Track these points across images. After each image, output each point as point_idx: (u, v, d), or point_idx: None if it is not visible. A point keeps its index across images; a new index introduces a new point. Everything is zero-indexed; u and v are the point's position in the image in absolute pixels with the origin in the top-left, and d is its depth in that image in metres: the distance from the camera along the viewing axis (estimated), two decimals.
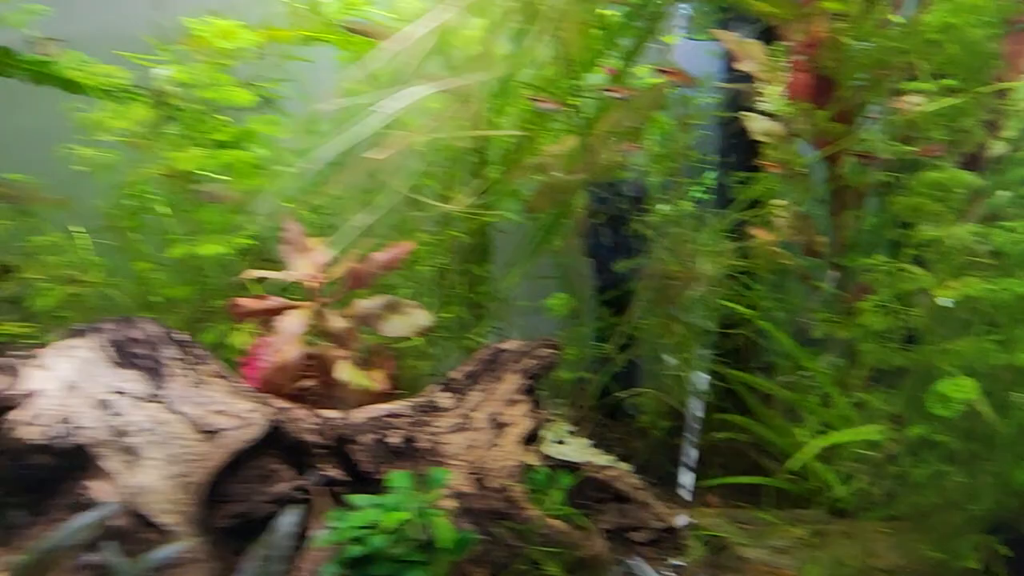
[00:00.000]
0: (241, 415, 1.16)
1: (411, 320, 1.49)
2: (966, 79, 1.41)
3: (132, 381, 1.12)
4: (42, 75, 1.41)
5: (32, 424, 1.03)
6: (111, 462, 1.05)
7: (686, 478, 1.73)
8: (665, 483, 1.79)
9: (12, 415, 1.02)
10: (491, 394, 1.44)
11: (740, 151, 1.83)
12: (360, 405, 1.41)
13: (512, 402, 1.43)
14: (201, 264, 1.46)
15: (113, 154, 1.44)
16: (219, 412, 1.15)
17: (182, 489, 1.09)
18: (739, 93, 1.81)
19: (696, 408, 1.78)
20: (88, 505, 1.02)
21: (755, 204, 1.76)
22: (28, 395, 1.04)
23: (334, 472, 1.29)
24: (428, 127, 1.49)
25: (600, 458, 1.84)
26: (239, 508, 1.15)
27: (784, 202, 1.77)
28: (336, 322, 1.44)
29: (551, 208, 1.64)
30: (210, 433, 1.13)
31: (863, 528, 1.55)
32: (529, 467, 1.41)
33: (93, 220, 1.47)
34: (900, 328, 1.58)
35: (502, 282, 1.69)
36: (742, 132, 1.76)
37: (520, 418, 1.42)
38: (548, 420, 1.50)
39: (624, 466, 1.87)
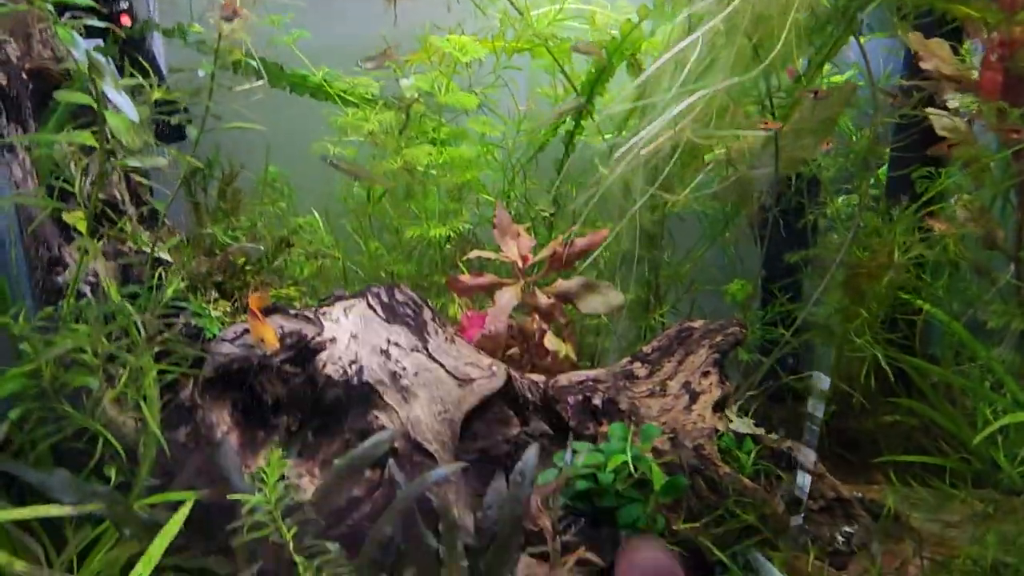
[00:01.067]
0: (487, 368, 1.40)
1: (607, 299, 1.69)
2: None
3: (401, 334, 1.37)
4: (301, 86, 1.70)
5: (333, 364, 1.29)
6: (390, 397, 1.30)
7: (803, 480, 1.82)
8: (832, 463, 1.91)
9: (320, 357, 1.29)
10: (683, 365, 1.61)
11: (922, 146, 1.92)
12: (559, 372, 1.62)
13: (704, 373, 1.60)
14: (424, 245, 1.71)
15: (354, 151, 1.72)
16: (469, 364, 1.39)
17: (444, 424, 1.32)
18: (923, 90, 1.92)
19: (816, 409, 1.87)
20: (375, 430, 1.28)
21: (936, 199, 1.85)
22: (330, 340, 1.31)
23: (543, 428, 1.51)
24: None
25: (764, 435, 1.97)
26: (482, 444, 1.38)
27: (967, 196, 1.86)
28: (542, 299, 1.66)
29: (736, 199, 1.80)
30: (464, 380, 1.36)
31: None
32: (719, 432, 1.58)
33: (337, 206, 1.75)
34: None
35: (680, 267, 1.86)
36: (926, 128, 1.86)
37: (711, 387, 1.59)
38: (736, 391, 1.65)
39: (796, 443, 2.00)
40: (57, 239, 1.39)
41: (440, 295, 1.71)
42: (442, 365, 1.36)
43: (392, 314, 1.39)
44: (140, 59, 1.51)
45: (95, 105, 1.08)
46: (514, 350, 1.67)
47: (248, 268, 1.45)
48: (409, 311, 1.41)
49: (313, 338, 1.30)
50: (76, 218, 1.17)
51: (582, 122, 1.85)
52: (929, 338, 2.00)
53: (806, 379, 2.01)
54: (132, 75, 1.39)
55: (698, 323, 1.70)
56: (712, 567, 1.45)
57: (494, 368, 1.40)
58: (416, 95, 1.61)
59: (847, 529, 1.65)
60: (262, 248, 1.46)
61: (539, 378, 1.58)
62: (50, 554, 1.17)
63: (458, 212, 1.74)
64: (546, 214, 1.88)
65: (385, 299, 1.41)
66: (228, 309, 1.37)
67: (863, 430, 1.93)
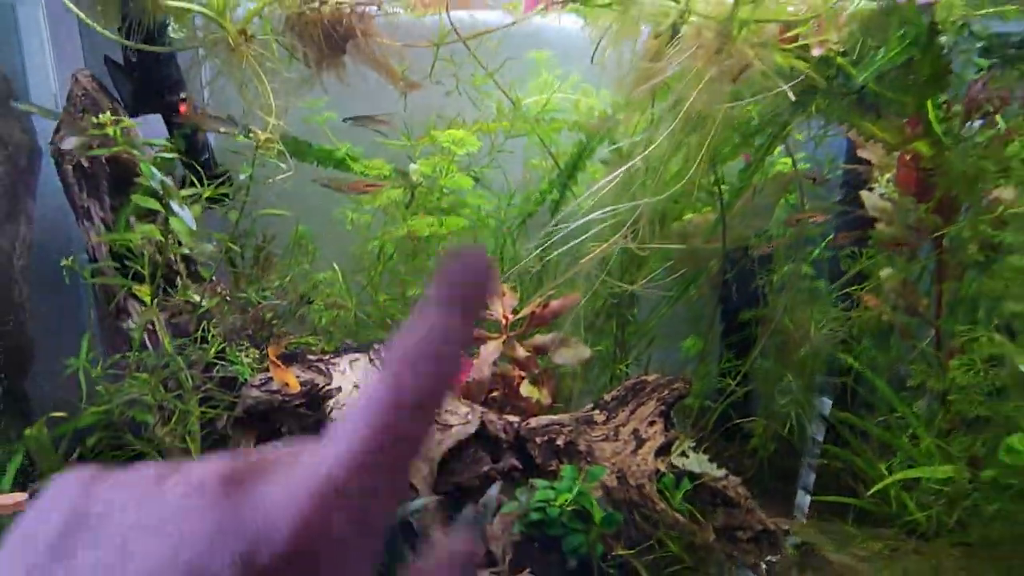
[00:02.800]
0: (464, 416, 1.63)
1: (576, 352, 1.91)
2: None
3: None
4: (326, 160, 1.94)
5: (338, 408, 1.53)
6: None
7: (803, 499, 2.04)
8: (768, 495, 2.11)
9: (328, 402, 1.53)
10: (634, 415, 1.83)
11: (856, 226, 2.11)
12: (533, 414, 1.84)
13: (651, 423, 1.82)
14: None
15: (369, 217, 1.96)
16: (449, 412, 1.62)
17: (424, 462, 1.56)
18: (858, 175, 2.11)
19: (818, 432, 2.07)
20: None
21: (866, 275, 2.05)
22: (336, 389, 1.55)
23: (514, 463, 1.73)
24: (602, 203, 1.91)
25: (714, 471, 2.19)
26: (457, 479, 1.62)
27: (892, 272, 2.05)
28: (520, 352, 1.88)
29: (691, 267, 2.01)
30: (443, 426, 1.60)
31: (934, 549, 1.81)
32: (660, 473, 1.79)
33: (350, 264, 1.99)
34: (985, 384, 1.83)
35: (645, 324, 2.08)
36: (859, 209, 2.05)
37: (656, 435, 1.80)
38: (677, 438, 1.86)
39: (734, 479, 2.21)
40: (122, 292, 1.65)
41: None
42: None
43: None
44: (195, 145, 1.76)
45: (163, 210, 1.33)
46: (496, 393, 1.90)
47: (275, 322, 1.69)
48: None
49: (323, 387, 1.54)
50: (143, 292, 1.42)
51: (566, 193, 2.07)
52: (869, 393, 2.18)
53: (751, 422, 2.23)
54: (189, 165, 1.65)
55: (652, 377, 1.91)
56: None
57: (469, 416, 1.63)
58: (420, 179, 1.84)
59: (770, 558, 1.85)
60: (286, 303, 1.70)
61: (515, 419, 1.80)
62: None
63: None
64: (532, 271, 2.10)
65: (382, 355, 1.64)
66: (257, 355, 1.62)
67: (797, 469, 2.13)
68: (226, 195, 1.53)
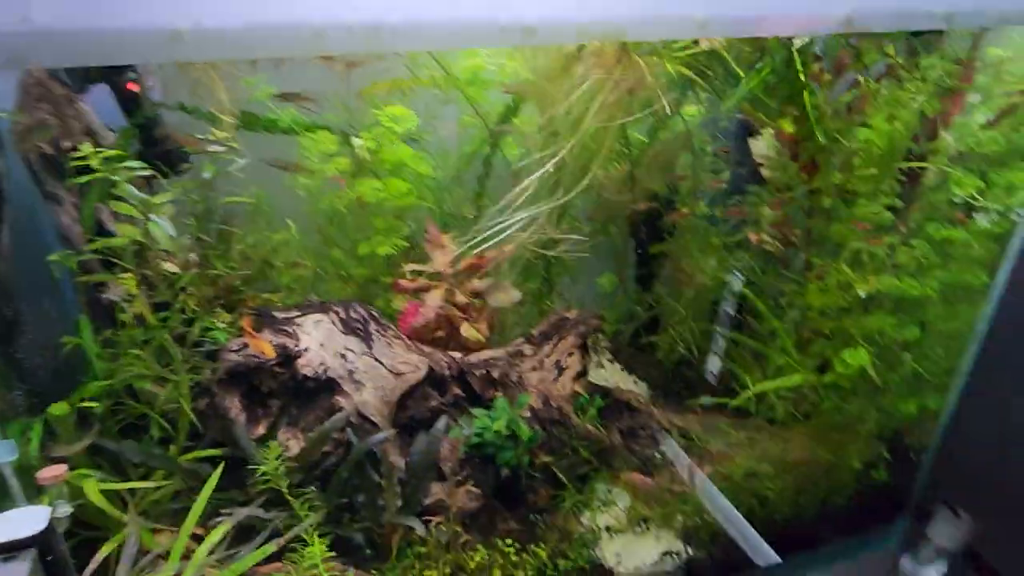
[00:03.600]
0: (414, 364, 1.90)
1: (508, 295, 2.18)
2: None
3: (354, 343, 1.85)
4: (273, 126, 2.05)
5: (307, 366, 1.78)
6: (347, 387, 1.81)
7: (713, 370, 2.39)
8: (669, 397, 2.51)
9: (298, 361, 1.77)
10: (557, 347, 2.14)
11: (749, 172, 2.38)
12: (473, 351, 2.13)
13: (570, 354, 2.14)
14: (375, 256, 2.14)
15: (319, 182, 2.10)
16: (402, 362, 1.89)
17: (384, 404, 1.84)
18: (748, 125, 2.34)
19: (728, 308, 2.38)
20: (338, 409, 1.79)
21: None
22: (304, 350, 1.79)
23: (458, 393, 2.04)
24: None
25: (626, 379, 2.56)
26: (412, 413, 1.91)
27: (771, 211, 2.35)
28: (460, 297, 2.13)
29: (605, 216, 2.26)
30: (398, 374, 1.87)
31: (789, 435, 2.25)
32: (577, 394, 2.13)
33: (304, 225, 2.15)
34: (834, 305, 2.20)
35: (568, 266, 2.35)
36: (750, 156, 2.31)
37: (574, 364, 2.13)
38: (592, 363, 2.20)
39: (642, 385, 2.59)
40: (99, 268, 1.79)
41: (387, 291, 2.18)
42: (383, 364, 1.86)
43: (348, 327, 1.87)
44: (151, 135, 1.85)
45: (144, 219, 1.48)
46: (441, 333, 2.17)
47: (243, 288, 1.89)
48: (360, 325, 1.88)
49: (293, 348, 1.78)
50: (128, 281, 1.58)
51: (496, 147, 2.25)
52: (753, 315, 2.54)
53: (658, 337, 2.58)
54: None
55: (573, 313, 2.21)
56: (563, 485, 2.05)
57: (419, 364, 1.90)
58: (365, 153, 1.98)
59: (663, 449, 2.26)
60: (249, 272, 1.90)
61: (458, 355, 2.09)
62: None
63: (400, 228, 2.16)
64: (470, 216, 2.32)
65: (343, 316, 1.88)
66: (229, 320, 1.82)
67: (694, 377, 2.51)
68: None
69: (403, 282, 2.11)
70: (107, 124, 1.81)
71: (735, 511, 2.04)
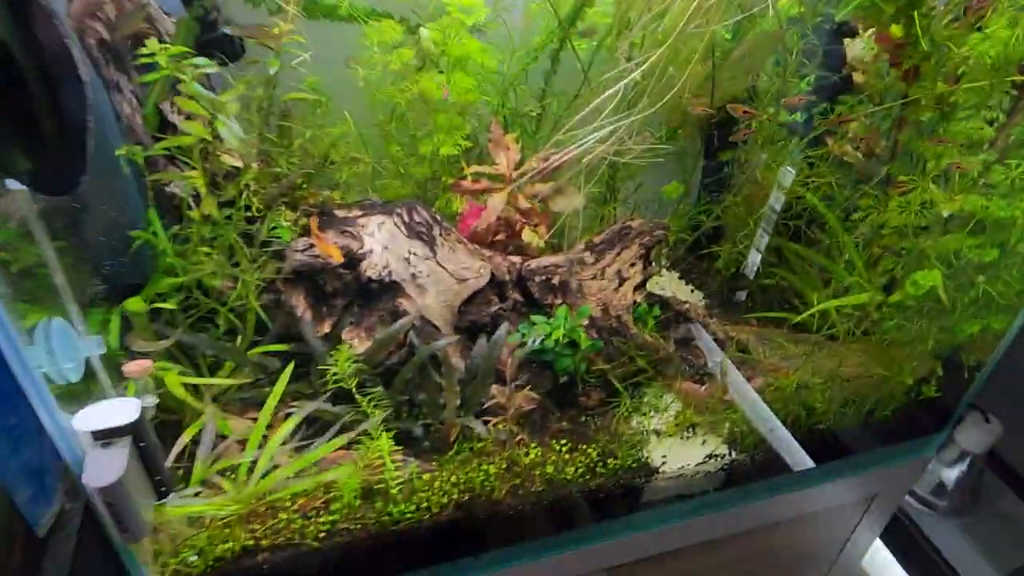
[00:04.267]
0: (476, 270, 1.85)
1: (571, 201, 2.08)
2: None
3: (417, 247, 1.80)
4: (332, 13, 1.91)
5: (372, 268, 1.75)
6: (410, 290, 1.78)
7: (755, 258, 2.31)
8: (725, 307, 2.45)
9: (362, 264, 1.74)
10: (619, 257, 2.06)
11: (840, 77, 2.16)
12: (533, 256, 2.07)
13: (632, 264, 2.06)
14: (436, 155, 2.04)
15: (379, 73, 1.97)
16: (464, 268, 1.84)
17: (447, 308, 1.82)
18: (844, 25, 2.11)
19: (777, 201, 2.26)
20: (401, 312, 1.78)
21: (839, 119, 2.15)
22: (368, 252, 1.75)
23: (518, 298, 2.00)
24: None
25: (683, 288, 2.49)
26: (472, 318, 1.89)
27: (860, 119, 2.15)
28: (522, 202, 2.04)
29: (678, 121, 2.10)
30: (460, 280, 1.83)
31: (845, 351, 2.19)
32: (637, 304, 2.08)
33: (365, 119, 2.05)
34: (913, 224, 2.06)
35: (634, 170, 2.22)
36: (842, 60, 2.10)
37: (635, 275, 2.05)
38: (653, 275, 2.12)
39: (698, 295, 2.53)
40: (163, 162, 1.75)
41: (448, 191, 2.09)
42: (446, 269, 1.82)
43: (411, 231, 1.81)
44: (208, 21, 1.72)
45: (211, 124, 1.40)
46: (501, 236, 2.10)
47: (304, 185, 1.83)
48: (423, 229, 1.82)
49: (357, 251, 1.73)
50: (197, 179, 1.53)
51: (566, 43, 2.07)
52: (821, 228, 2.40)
53: (719, 248, 2.48)
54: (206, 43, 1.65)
55: (636, 222, 2.11)
56: (617, 391, 2.04)
57: (481, 271, 1.85)
58: (431, 45, 1.83)
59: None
60: (311, 167, 1.82)
61: (518, 259, 2.03)
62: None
63: (462, 126, 2.04)
64: (534, 114, 2.18)
65: (407, 219, 1.81)
66: (292, 218, 1.78)
67: (750, 287, 2.43)
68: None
69: (464, 183, 2.02)
70: (164, 9, 1.70)
71: (775, 419, 2.02)
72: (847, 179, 2.25)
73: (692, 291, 2.43)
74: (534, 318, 1.92)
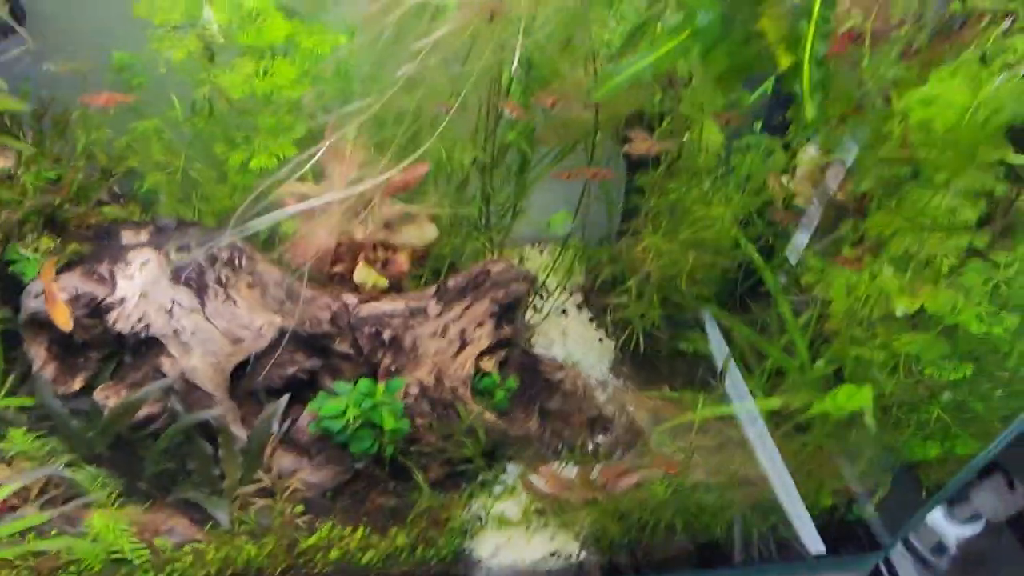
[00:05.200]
0: (256, 329, 1.50)
1: (421, 233, 1.66)
2: None
3: (184, 296, 1.47)
4: None
5: (123, 320, 1.44)
6: (173, 348, 1.47)
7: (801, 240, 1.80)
8: (639, 365, 1.95)
9: (110, 316, 1.43)
10: (467, 312, 1.64)
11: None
12: (372, 297, 1.69)
13: (480, 324, 1.64)
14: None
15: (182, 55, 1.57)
16: (241, 326, 1.50)
17: (216, 371, 1.50)
18: None
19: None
20: (164, 371, 1.48)
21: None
22: (120, 300, 1.44)
23: (346, 347, 1.64)
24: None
25: (591, 335, 2.00)
26: (262, 381, 1.57)
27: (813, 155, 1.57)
28: (357, 232, 1.64)
29: (561, 139, 1.59)
30: (234, 340, 1.49)
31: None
32: (484, 373, 1.68)
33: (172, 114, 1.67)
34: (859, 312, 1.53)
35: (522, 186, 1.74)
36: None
37: (482, 339, 1.64)
38: (509, 337, 1.69)
39: (608, 345, 2.01)
40: None
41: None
42: (216, 327, 1.48)
43: (179, 276, 1.47)
44: None
45: None
46: (341, 268, 1.72)
47: (75, 201, 1.51)
48: (194, 274, 1.48)
49: (104, 299, 1.42)
50: None
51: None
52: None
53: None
54: None
55: (498, 266, 1.66)
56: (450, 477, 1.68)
57: (264, 330, 1.50)
58: (218, 30, 1.40)
59: (598, 439, 1.82)
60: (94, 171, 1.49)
61: (355, 299, 1.66)
62: None
63: (293, 127, 1.63)
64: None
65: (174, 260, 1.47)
66: (56, 243, 1.47)
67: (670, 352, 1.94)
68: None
69: (289, 200, 1.64)
70: None
71: None
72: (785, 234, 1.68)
73: (601, 340, 1.98)
74: (336, 386, 1.57)
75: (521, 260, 2.00)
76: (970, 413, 1.65)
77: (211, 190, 1.71)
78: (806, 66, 1.00)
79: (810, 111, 1.02)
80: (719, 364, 1.70)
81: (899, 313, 1.46)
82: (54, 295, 1.37)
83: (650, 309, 1.83)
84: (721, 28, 1.04)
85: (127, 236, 1.54)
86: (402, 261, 1.73)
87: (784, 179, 1.63)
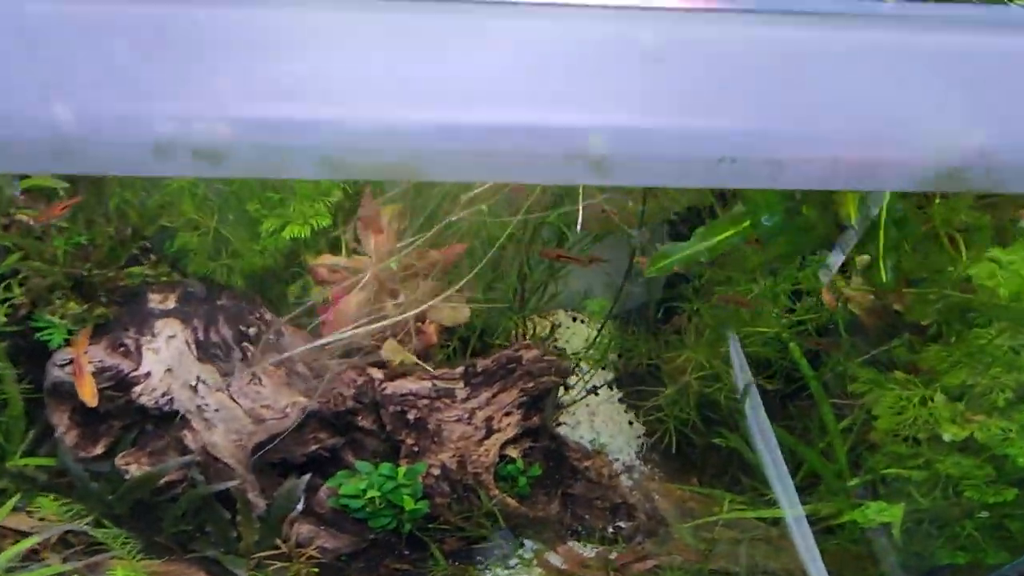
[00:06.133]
0: (281, 409, 1.47)
1: (455, 314, 1.61)
2: None
3: (210, 374, 1.44)
4: None
5: (147, 395, 1.42)
6: (196, 423, 1.44)
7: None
8: (667, 455, 1.87)
9: (134, 390, 1.41)
10: (494, 400, 1.59)
11: None
12: (398, 373, 1.64)
13: (508, 413, 1.59)
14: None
15: None
16: (265, 406, 1.47)
17: (238, 448, 1.47)
18: None
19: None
20: (186, 443, 1.46)
21: None
22: (146, 375, 1.41)
23: (368, 423, 1.61)
24: None
25: (620, 417, 1.92)
26: (284, 455, 1.54)
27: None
28: (389, 308, 1.60)
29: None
30: (257, 420, 1.46)
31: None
32: (509, 460, 1.63)
33: None
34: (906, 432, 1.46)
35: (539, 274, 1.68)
36: None
37: (509, 427, 1.59)
38: (540, 425, 1.64)
39: (637, 430, 1.94)
40: None
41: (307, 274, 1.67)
42: (240, 405, 1.45)
43: (205, 352, 1.43)
44: None
45: None
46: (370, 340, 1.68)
47: (105, 266, 1.48)
48: (220, 352, 1.44)
49: (129, 373, 1.40)
50: None
51: None
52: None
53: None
54: None
55: (531, 353, 1.60)
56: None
57: (288, 410, 1.47)
58: None
59: (620, 524, 1.77)
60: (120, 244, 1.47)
61: (380, 374, 1.62)
62: None
63: (328, 190, 1.58)
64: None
65: (201, 336, 1.44)
66: (84, 308, 1.45)
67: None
68: None
69: (322, 270, 1.60)
70: None
71: None
72: (848, 333, 1.60)
73: (630, 423, 1.91)
74: (359, 465, 1.54)
75: (553, 329, 1.94)
76: (1006, 532, 1.60)
77: (243, 246, 1.67)
78: (882, 228, 0.93)
79: (883, 275, 0.95)
80: (760, 463, 1.64)
81: (947, 439, 1.40)
82: (83, 369, 1.35)
83: (688, 412, 1.77)
84: (785, 221, 0.97)
85: (154, 300, 1.51)
86: (431, 333, 1.68)
87: (838, 279, 1.54)
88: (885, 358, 1.49)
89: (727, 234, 1.03)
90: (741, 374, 1.67)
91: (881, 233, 0.91)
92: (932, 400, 1.34)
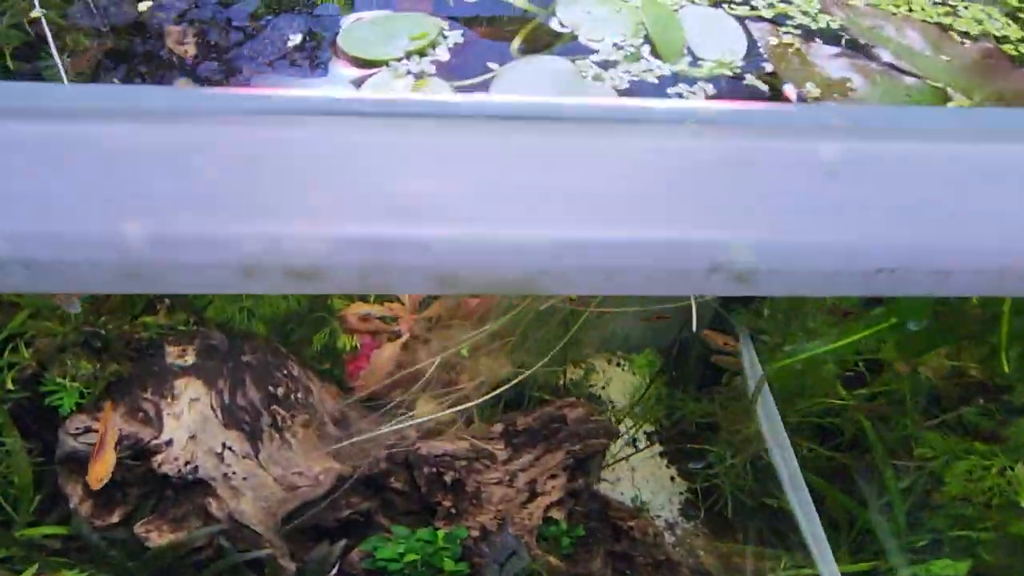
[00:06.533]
0: (313, 477, 1.37)
1: (491, 367, 1.52)
2: None
3: (236, 440, 1.33)
4: None
5: (169, 463, 1.31)
6: (222, 492, 1.34)
7: None
8: (715, 517, 1.78)
9: (155, 459, 1.30)
10: (538, 462, 1.50)
11: None
12: (433, 431, 1.55)
13: (553, 475, 1.50)
14: None
15: None
16: (297, 473, 1.37)
17: (267, 515, 1.37)
18: None
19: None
20: (209, 513, 1.36)
21: None
22: (167, 443, 1.31)
23: (402, 484, 1.51)
24: None
25: (662, 472, 1.83)
26: (316, 521, 1.44)
27: None
28: (423, 359, 1.50)
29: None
30: (289, 488, 1.36)
31: None
32: (553, 521, 1.54)
33: None
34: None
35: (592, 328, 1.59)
36: None
37: (553, 490, 1.50)
38: (586, 487, 1.55)
39: (680, 486, 1.84)
40: None
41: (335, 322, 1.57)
42: (270, 473, 1.35)
43: (231, 418, 1.33)
44: None
45: None
46: (402, 396, 1.59)
47: (122, 319, 1.37)
48: (247, 418, 1.34)
49: (149, 441, 1.29)
50: None
51: None
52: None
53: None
54: None
55: (577, 411, 1.51)
56: None
57: (320, 477, 1.37)
58: None
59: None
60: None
61: (414, 433, 1.53)
62: None
63: None
64: None
65: (227, 400, 1.33)
66: (92, 369, 1.34)
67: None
68: None
69: (352, 319, 1.50)
70: None
71: None
72: (917, 399, 1.52)
73: (673, 479, 1.82)
74: (395, 529, 1.45)
75: (588, 374, 1.85)
76: None
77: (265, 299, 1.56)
78: (1007, 317, 0.85)
79: (1005, 365, 0.87)
80: (803, 526, 1.56)
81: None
82: (106, 445, 1.24)
83: (736, 469, 1.69)
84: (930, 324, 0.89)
85: (172, 353, 1.40)
86: (468, 387, 1.59)
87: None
88: (954, 422, 1.42)
89: (861, 335, 0.95)
90: (771, 435, 1.59)
91: (1006, 322, 0.84)
92: (1012, 469, 1.27)
